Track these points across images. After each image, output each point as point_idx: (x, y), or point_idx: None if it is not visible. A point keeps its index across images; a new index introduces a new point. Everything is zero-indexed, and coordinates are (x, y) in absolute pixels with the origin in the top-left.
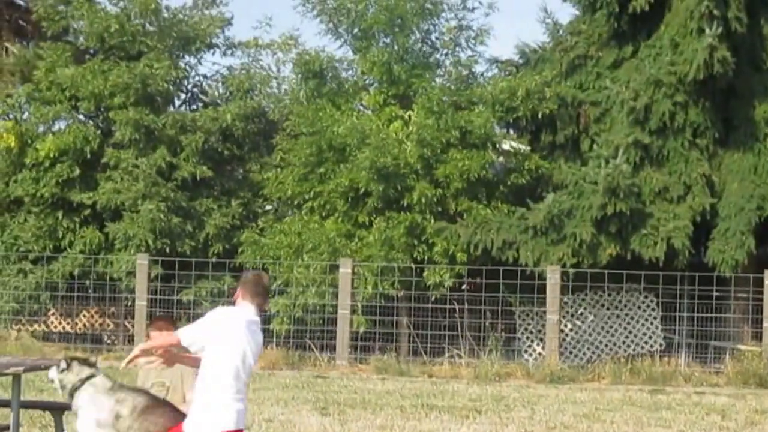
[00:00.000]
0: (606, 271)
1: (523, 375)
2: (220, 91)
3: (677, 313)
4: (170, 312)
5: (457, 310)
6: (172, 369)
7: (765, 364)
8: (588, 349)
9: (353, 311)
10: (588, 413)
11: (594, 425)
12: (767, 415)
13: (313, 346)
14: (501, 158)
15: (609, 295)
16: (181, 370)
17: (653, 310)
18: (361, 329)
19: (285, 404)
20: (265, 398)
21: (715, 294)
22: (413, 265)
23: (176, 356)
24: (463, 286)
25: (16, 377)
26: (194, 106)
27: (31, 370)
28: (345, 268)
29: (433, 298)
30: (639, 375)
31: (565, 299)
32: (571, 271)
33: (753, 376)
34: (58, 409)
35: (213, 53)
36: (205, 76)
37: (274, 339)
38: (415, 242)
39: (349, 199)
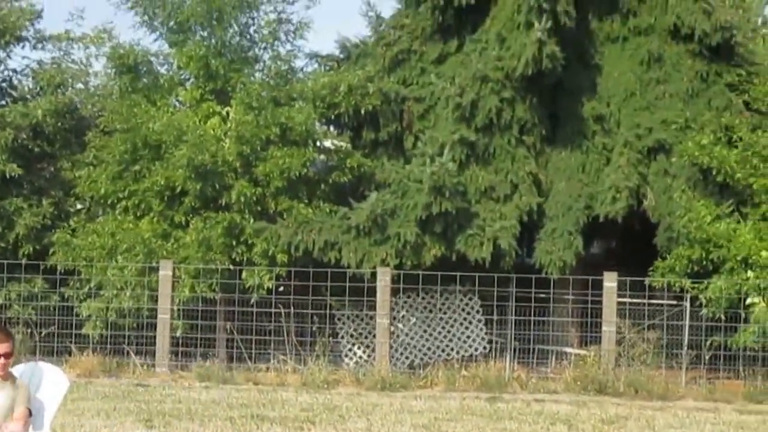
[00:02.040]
0: (438, 273)
1: (352, 382)
2: (30, 86)
3: (503, 316)
4: None
5: (282, 313)
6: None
7: (604, 370)
8: (410, 352)
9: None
10: (428, 424)
11: None
12: (615, 425)
13: (131, 353)
14: (322, 156)
15: (432, 297)
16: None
17: (477, 312)
18: (178, 332)
19: (107, 416)
20: (85, 409)
21: (541, 296)
22: (232, 267)
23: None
24: (280, 288)
25: None
26: (3, 102)
27: None
28: (165, 270)
29: (252, 301)
30: (473, 381)
31: None
32: (401, 272)
33: (591, 382)
34: None
35: (23, 47)
36: (14, 71)
37: (90, 344)
38: (234, 243)
39: (165, 198)
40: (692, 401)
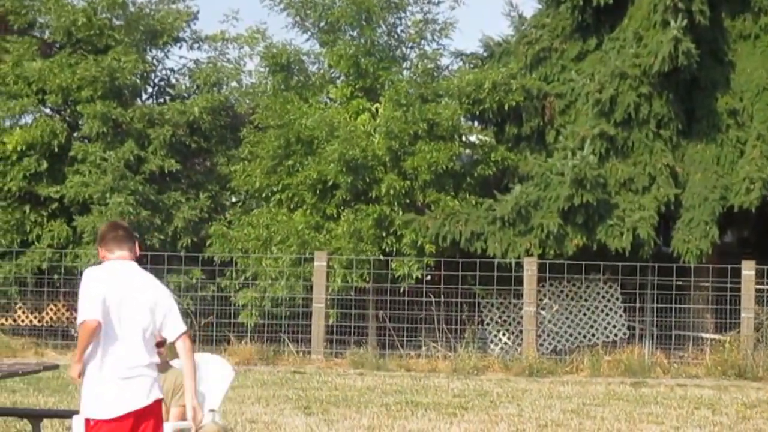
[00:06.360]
0: (580, 262)
1: (500, 368)
2: (187, 84)
3: (643, 303)
4: None
5: (432, 302)
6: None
7: (743, 355)
8: (554, 339)
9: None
10: (576, 409)
11: (585, 422)
12: (757, 410)
13: (287, 340)
14: (468, 150)
15: (574, 285)
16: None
17: (617, 299)
18: (331, 320)
19: (266, 403)
20: (245, 396)
21: (679, 283)
22: (382, 257)
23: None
24: (429, 277)
25: None
26: (161, 100)
27: (8, 377)
28: (320, 261)
29: (402, 290)
30: (617, 366)
31: None
32: (546, 262)
33: (731, 367)
34: (36, 416)
35: (180, 47)
36: (172, 70)
37: (247, 333)
38: (384, 234)
39: (318, 192)
40: None
